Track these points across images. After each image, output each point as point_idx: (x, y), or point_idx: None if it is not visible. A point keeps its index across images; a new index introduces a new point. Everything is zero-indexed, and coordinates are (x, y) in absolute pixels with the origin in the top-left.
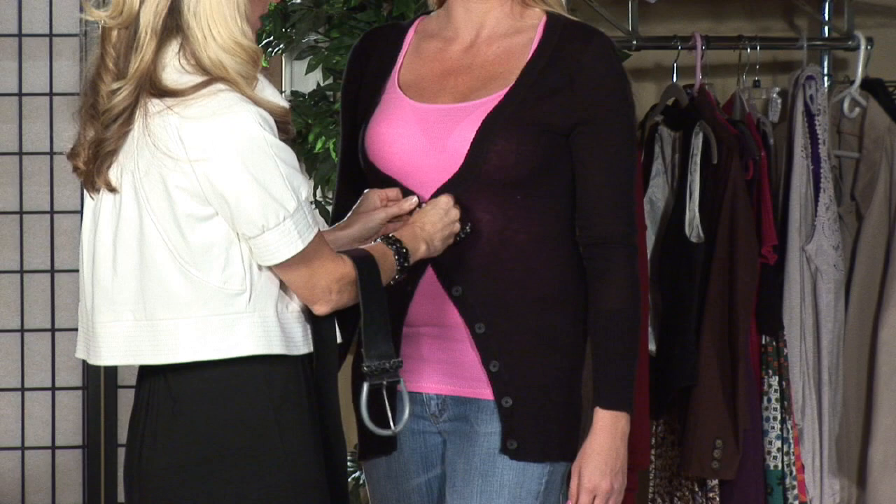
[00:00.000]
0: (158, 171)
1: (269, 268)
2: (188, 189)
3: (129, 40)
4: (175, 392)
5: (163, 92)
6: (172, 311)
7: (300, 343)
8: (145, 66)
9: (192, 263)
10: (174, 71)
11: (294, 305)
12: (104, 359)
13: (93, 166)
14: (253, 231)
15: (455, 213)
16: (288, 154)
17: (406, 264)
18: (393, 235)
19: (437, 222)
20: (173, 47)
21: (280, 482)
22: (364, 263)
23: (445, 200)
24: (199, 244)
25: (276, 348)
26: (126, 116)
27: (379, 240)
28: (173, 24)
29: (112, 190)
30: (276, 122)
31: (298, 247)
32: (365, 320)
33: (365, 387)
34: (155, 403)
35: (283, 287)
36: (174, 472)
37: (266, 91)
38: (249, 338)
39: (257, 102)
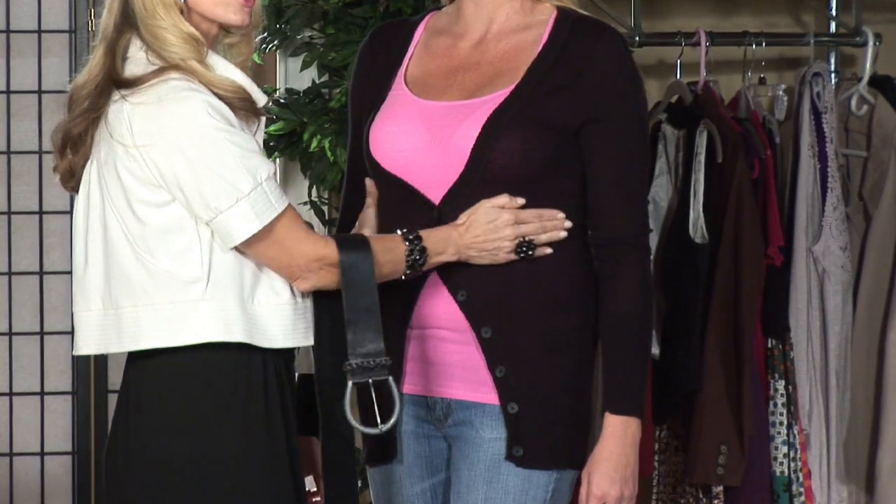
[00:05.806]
0: (113, 159)
1: (243, 254)
2: (138, 175)
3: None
4: (136, 385)
5: (121, 83)
6: (132, 299)
7: (276, 336)
8: (96, 65)
9: (146, 250)
10: (135, 64)
11: (274, 299)
12: (80, 348)
13: (69, 157)
14: (208, 214)
15: (508, 229)
16: (240, 137)
17: (420, 265)
18: (417, 232)
19: (484, 232)
20: (137, 44)
21: (218, 490)
22: (351, 248)
23: (507, 217)
24: (153, 231)
25: (238, 336)
26: (89, 103)
27: (399, 231)
28: (127, 22)
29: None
30: (235, 100)
31: (256, 227)
32: (348, 310)
33: (350, 384)
34: (123, 397)
35: (258, 279)
36: (132, 477)
37: (219, 65)
38: (206, 325)
39: (212, 84)
